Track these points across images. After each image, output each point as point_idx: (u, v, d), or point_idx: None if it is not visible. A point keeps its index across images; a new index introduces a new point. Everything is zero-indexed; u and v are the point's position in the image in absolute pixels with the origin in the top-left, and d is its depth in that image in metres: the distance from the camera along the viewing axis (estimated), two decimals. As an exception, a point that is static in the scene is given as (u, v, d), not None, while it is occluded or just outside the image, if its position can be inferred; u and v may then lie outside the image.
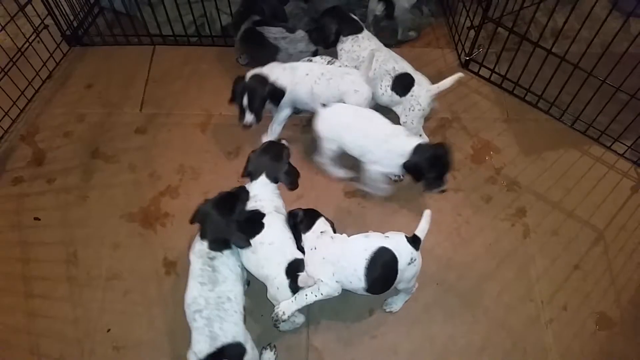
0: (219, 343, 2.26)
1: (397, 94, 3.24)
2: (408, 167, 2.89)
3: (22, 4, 3.55)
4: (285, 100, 3.26)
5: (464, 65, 3.89)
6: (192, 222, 2.51)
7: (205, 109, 3.67)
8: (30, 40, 3.73)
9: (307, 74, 3.19)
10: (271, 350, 2.68)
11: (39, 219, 3.19)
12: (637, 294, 2.88)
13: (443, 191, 2.96)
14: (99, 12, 4.28)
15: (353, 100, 3.13)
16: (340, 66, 3.26)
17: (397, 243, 2.44)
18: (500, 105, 3.70)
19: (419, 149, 2.84)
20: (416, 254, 2.47)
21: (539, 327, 2.81)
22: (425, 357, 2.74)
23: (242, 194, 2.57)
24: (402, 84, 3.22)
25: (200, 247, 2.45)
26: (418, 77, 3.24)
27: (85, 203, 3.25)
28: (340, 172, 3.24)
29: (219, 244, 2.43)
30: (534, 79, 3.54)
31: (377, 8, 3.89)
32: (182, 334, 2.70)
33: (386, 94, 3.28)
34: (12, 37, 3.62)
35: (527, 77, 3.57)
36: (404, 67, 3.27)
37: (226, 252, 2.45)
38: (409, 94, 3.21)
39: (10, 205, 3.26)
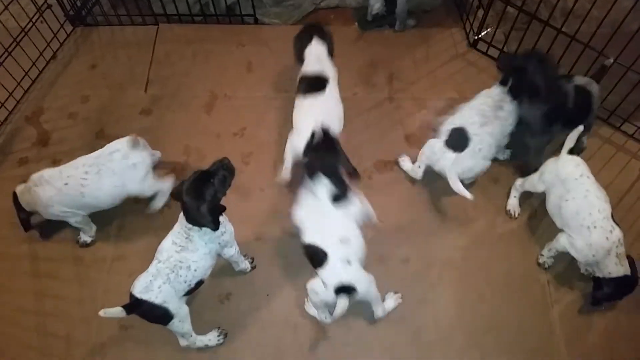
0: (145, 296, 2.35)
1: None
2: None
3: (25, -17, 3.52)
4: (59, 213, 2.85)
5: (473, 45, 3.84)
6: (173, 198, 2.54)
7: (210, 90, 3.64)
8: (33, 21, 3.70)
9: (67, 184, 2.74)
10: (219, 335, 2.72)
11: (45, 200, 3.19)
12: (644, 274, 2.87)
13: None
14: (103, -8, 4.23)
15: (136, 176, 2.83)
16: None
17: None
18: (509, 85, 3.65)
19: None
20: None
21: (544, 307, 2.81)
22: (430, 335, 2.75)
23: (219, 172, 2.47)
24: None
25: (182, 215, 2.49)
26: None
27: (91, 184, 3.25)
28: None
29: (193, 222, 2.43)
30: (543, 59, 3.48)
31: (376, 7, 3.82)
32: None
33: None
34: (15, 17, 3.58)
35: (536, 57, 3.52)
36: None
37: (204, 229, 2.45)
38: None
39: (16, 186, 3.25)
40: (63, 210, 2.81)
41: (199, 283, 2.54)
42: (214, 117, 3.52)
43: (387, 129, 3.43)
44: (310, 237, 2.52)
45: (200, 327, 2.66)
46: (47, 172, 2.80)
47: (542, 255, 2.90)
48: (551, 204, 2.82)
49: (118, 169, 2.79)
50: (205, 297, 2.82)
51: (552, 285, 2.87)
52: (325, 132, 2.79)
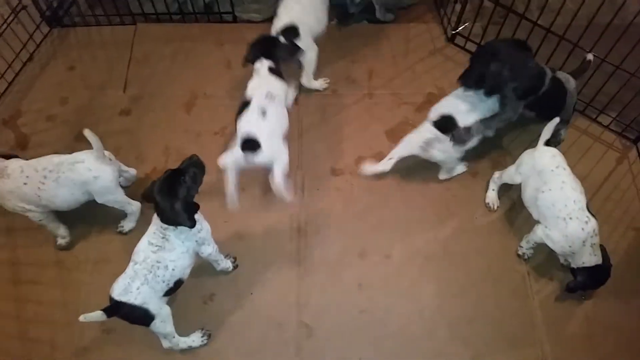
0: (124, 299, 2.36)
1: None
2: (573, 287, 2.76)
3: (-2, -16, 3.47)
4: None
5: (450, 40, 3.86)
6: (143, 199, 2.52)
7: (190, 89, 3.62)
8: (8, 22, 3.64)
9: (25, 183, 2.70)
10: (203, 336, 2.73)
11: (25, 204, 3.16)
12: (622, 263, 2.92)
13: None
14: (79, -8, 4.19)
15: (98, 187, 2.77)
16: None
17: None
18: (487, 79, 3.68)
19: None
20: None
21: (525, 298, 2.86)
22: (414, 329, 2.77)
23: (189, 169, 2.44)
24: None
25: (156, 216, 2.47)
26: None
27: (71, 187, 3.22)
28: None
29: (168, 221, 2.41)
30: (520, 52, 3.52)
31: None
32: (171, 315, 2.72)
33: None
34: (-11, 19, 3.54)
35: (513, 50, 3.55)
36: None
37: (180, 228, 2.44)
38: None
39: (-5, 191, 3.22)
40: (21, 205, 2.78)
41: (178, 283, 2.53)
42: (194, 116, 3.50)
43: (367, 125, 3.44)
44: (249, 93, 2.91)
45: (184, 329, 2.66)
46: (12, 166, 2.74)
47: (522, 247, 2.94)
48: (527, 196, 2.85)
49: (78, 180, 2.73)
50: (188, 298, 2.82)
51: (532, 276, 2.92)
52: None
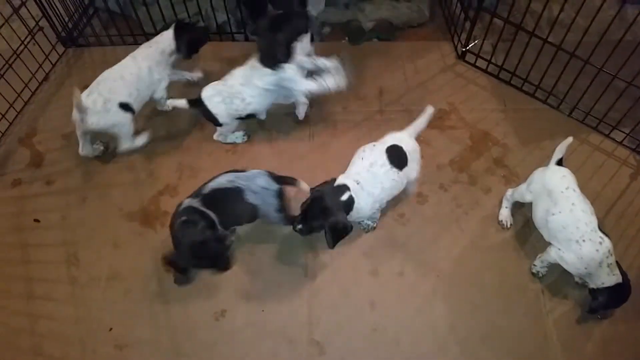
0: (206, 102, 3.16)
1: None
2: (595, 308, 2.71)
3: (16, 6, 3.55)
4: None
5: (461, 57, 3.89)
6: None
7: (202, 107, 3.66)
8: (25, 43, 3.73)
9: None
10: (244, 135, 3.47)
11: (39, 221, 3.19)
12: (639, 281, 2.87)
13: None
14: (94, 13, 4.28)
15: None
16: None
17: None
18: (498, 95, 3.69)
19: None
20: None
21: (539, 316, 2.82)
22: (427, 347, 2.74)
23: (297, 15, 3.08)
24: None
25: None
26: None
27: (85, 204, 3.26)
28: None
29: (267, 55, 3.07)
30: (530, 69, 3.53)
31: None
32: (183, 331, 2.72)
33: None
34: (7, 40, 3.61)
35: (524, 67, 3.56)
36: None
37: (265, 70, 3.08)
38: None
39: (10, 208, 3.26)
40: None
41: (251, 115, 3.26)
42: (206, 134, 3.53)
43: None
44: None
45: (195, 346, 2.66)
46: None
47: (535, 265, 2.91)
48: (538, 217, 2.82)
49: None
50: (200, 314, 2.81)
51: (546, 294, 2.88)
52: None
